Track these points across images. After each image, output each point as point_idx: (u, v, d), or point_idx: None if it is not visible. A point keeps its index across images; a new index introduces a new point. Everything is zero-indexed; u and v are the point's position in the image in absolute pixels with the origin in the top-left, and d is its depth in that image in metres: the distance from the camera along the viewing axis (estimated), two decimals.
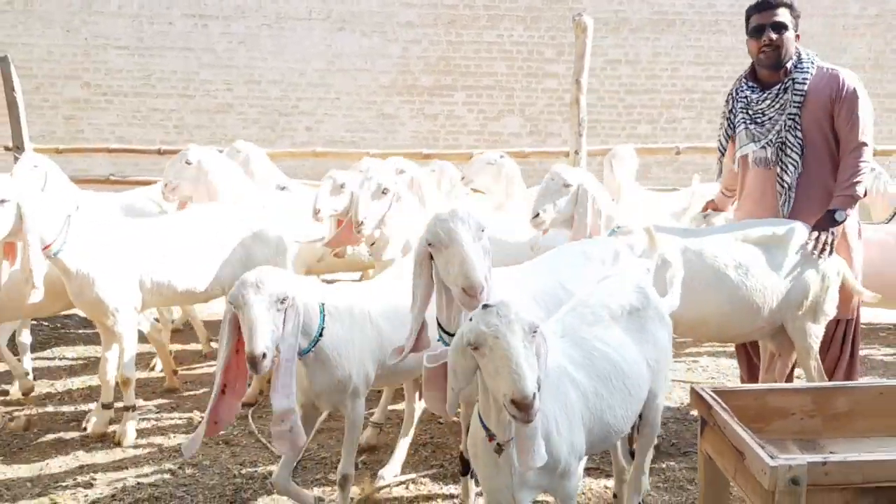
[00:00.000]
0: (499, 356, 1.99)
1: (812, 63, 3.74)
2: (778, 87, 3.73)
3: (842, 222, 3.63)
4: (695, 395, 2.77)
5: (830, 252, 3.59)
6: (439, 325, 2.73)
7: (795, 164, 3.71)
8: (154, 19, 10.25)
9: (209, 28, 10.31)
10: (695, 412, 3.47)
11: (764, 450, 2.30)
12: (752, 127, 3.81)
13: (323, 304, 2.94)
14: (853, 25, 10.67)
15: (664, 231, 3.77)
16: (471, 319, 2.10)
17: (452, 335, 2.63)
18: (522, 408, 1.93)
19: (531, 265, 3.27)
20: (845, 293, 3.79)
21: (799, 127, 3.69)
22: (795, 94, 3.68)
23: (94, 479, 3.63)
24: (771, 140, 3.74)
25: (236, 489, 3.51)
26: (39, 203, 3.48)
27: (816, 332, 3.67)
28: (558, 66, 10.63)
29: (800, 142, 3.70)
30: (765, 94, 3.77)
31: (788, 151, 3.72)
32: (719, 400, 2.65)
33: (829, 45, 10.67)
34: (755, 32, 3.78)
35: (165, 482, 3.59)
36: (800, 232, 3.65)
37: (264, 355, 2.51)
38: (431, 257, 2.62)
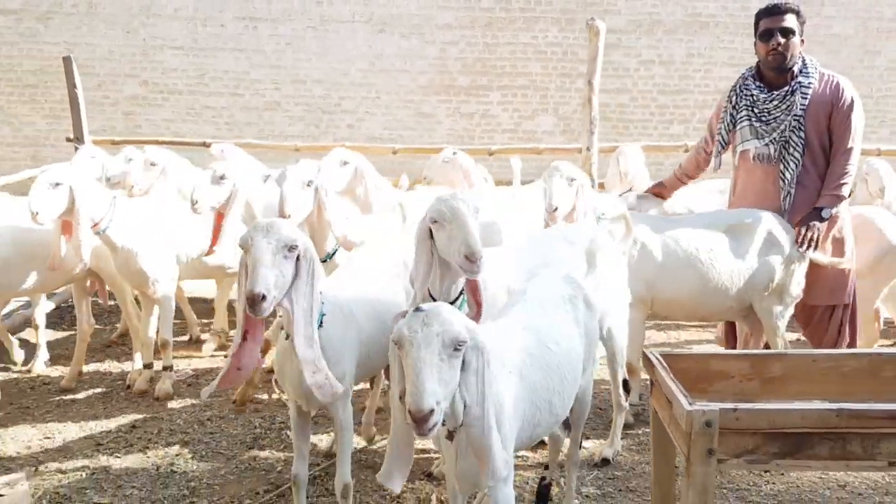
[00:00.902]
0: (409, 363, 2.01)
1: (816, 69, 4.04)
2: (786, 89, 4.01)
3: (827, 219, 3.94)
4: (645, 358, 3.13)
5: (816, 246, 3.91)
6: (432, 297, 3.02)
7: (797, 161, 4.00)
8: (208, 22, 10.87)
9: (259, 30, 10.88)
10: None
11: (685, 398, 2.68)
12: (756, 125, 4.07)
13: (321, 293, 2.88)
14: (887, 28, 10.73)
15: (645, 219, 4.14)
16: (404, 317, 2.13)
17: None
18: (416, 421, 1.93)
19: (520, 246, 3.62)
20: (839, 280, 4.09)
21: (802, 127, 3.98)
22: (802, 97, 3.97)
23: (135, 427, 4.16)
24: (775, 138, 4.01)
25: (255, 437, 4.00)
26: (89, 186, 4.02)
27: (782, 313, 3.99)
28: None
29: (802, 141, 3.99)
30: (772, 95, 4.04)
31: (791, 150, 4.00)
32: (662, 361, 3.01)
33: (862, 48, 10.77)
34: (764, 36, 4.03)
35: (195, 430, 4.11)
36: (766, 220, 3.98)
37: (263, 297, 2.52)
38: (430, 235, 2.89)
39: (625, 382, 3.78)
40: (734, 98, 4.18)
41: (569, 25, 10.91)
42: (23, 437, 4.04)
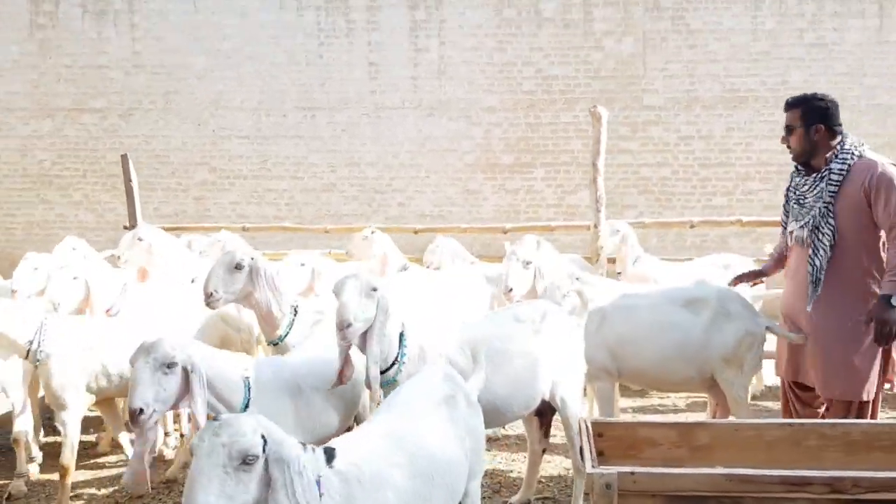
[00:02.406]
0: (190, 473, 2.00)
1: (852, 154, 3.91)
2: (816, 175, 3.97)
3: None
4: (579, 425, 3.41)
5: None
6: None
7: (825, 248, 3.90)
8: (270, 112, 11.77)
9: (317, 118, 11.70)
10: None
11: (591, 462, 2.94)
12: (796, 207, 4.09)
13: (248, 379, 3.14)
14: None
15: (610, 291, 4.43)
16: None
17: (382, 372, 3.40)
18: None
19: (472, 322, 3.98)
20: (855, 372, 3.84)
21: (832, 214, 3.89)
22: (830, 185, 3.90)
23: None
24: (808, 222, 3.96)
25: None
26: (103, 279, 4.58)
27: (743, 384, 4.18)
28: (632, 142, 11.26)
29: (832, 228, 3.89)
30: (806, 179, 4.03)
31: (820, 236, 3.93)
32: (589, 428, 3.28)
33: None
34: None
35: None
36: (724, 295, 4.22)
37: (141, 410, 2.80)
38: None
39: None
40: (790, 180, 4.23)
41: (608, 104, 11.23)
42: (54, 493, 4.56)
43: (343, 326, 3.15)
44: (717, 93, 11.12)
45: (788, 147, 4.07)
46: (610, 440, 3.34)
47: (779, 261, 4.40)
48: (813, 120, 3.98)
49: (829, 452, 3.28)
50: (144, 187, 11.98)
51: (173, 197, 11.99)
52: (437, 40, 11.41)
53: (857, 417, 3.88)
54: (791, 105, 4.06)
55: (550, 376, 3.77)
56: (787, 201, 4.19)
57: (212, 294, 3.93)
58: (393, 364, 3.34)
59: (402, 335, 3.38)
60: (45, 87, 11.97)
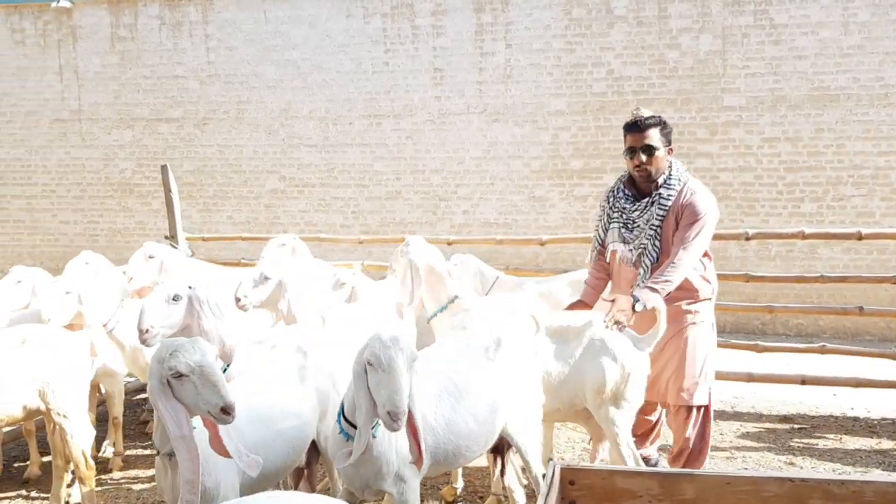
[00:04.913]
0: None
1: (679, 180, 4.10)
2: (647, 200, 4.12)
3: (639, 309, 3.87)
4: (547, 470, 3.05)
5: (622, 328, 3.87)
6: (344, 416, 3.08)
7: (647, 268, 4.13)
8: (337, 121, 11.74)
9: (382, 126, 11.59)
10: None
11: None
12: (624, 232, 4.23)
13: None
14: None
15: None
16: None
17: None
18: None
19: (425, 353, 3.60)
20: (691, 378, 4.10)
21: (659, 237, 4.09)
22: (660, 209, 4.09)
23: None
24: (636, 245, 4.15)
25: None
26: (95, 292, 4.49)
27: (620, 419, 3.78)
28: (711, 145, 10.62)
29: (657, 250, 4.11)
30: (636, 206, 4.17)
31: (646, 257, 4.14)
32: (556, 474, 2.92)
33: None
34: (628, 153, 4.16)
35: None
36: (596, 324, 3.83)
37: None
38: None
39: None
40: (611, 200, 4.32)
41: (685, 105, 10.69)
42: None
43: (400, 418, 2.79)
44: (804, 91, 10.31)
45: (638, 167, 4.08)
46: (582, 489, 2.97)
47: (596, 289, 4.48)
48: (669, 141, 4.17)
49: None
50: (219, 195, 12.29)
51: (245, 205, 12.15)
52: (504, 43, 11.08)
53: (698, 423, 4.18)
54: (650, 124, 4.08)
55: (505, 408, 3.44)
56: (608, 221, 4.31)
57: (147, 330, 3.62)
58: (374, 425, 3.03)
59: None
60: (126, 98, 12.37)
